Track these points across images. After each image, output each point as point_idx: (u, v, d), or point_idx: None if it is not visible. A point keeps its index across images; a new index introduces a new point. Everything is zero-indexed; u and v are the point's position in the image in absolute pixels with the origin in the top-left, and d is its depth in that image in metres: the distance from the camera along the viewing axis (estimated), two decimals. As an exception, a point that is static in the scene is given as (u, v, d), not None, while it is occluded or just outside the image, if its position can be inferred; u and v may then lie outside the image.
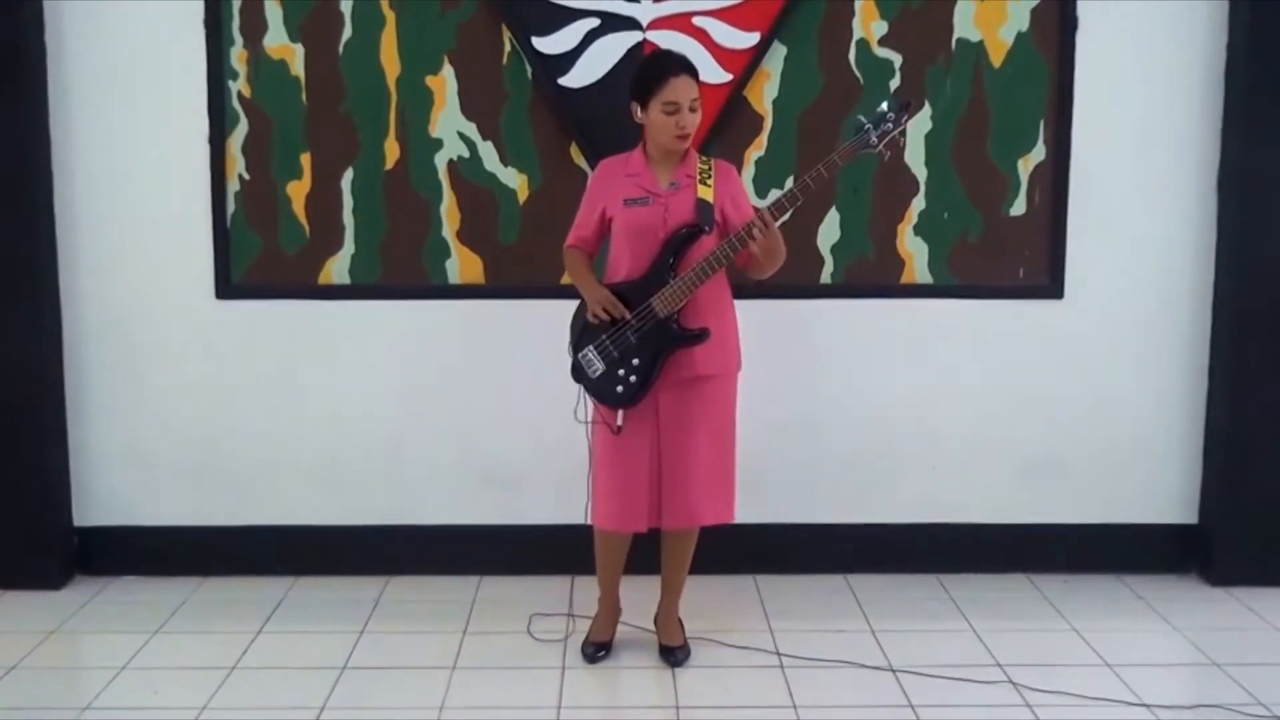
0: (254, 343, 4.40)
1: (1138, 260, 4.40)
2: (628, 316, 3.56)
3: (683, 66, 3.55)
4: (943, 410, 4.45)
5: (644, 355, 3.58)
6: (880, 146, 3.51)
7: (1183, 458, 4.49)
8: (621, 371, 3.60)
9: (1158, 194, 4.38)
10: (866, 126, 3.50)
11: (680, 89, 3.51)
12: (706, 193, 3.57)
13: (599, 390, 3.65)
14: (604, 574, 3.86)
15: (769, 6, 4.22)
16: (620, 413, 3.66)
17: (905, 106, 3.54)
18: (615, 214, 3.63)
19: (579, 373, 3.67)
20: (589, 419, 3.70)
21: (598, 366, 3.62)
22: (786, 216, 3.57)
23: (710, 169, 3.62)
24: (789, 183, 4.30)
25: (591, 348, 3.62)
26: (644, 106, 3.56)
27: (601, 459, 3.71)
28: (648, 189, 3.61)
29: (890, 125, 3.50)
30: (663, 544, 3.83)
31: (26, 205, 4.24)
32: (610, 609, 3.90)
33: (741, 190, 3.73)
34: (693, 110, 3.53)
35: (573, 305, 3.73)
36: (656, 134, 3.58)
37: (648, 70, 3.60)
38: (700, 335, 3.58)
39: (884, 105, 3.52)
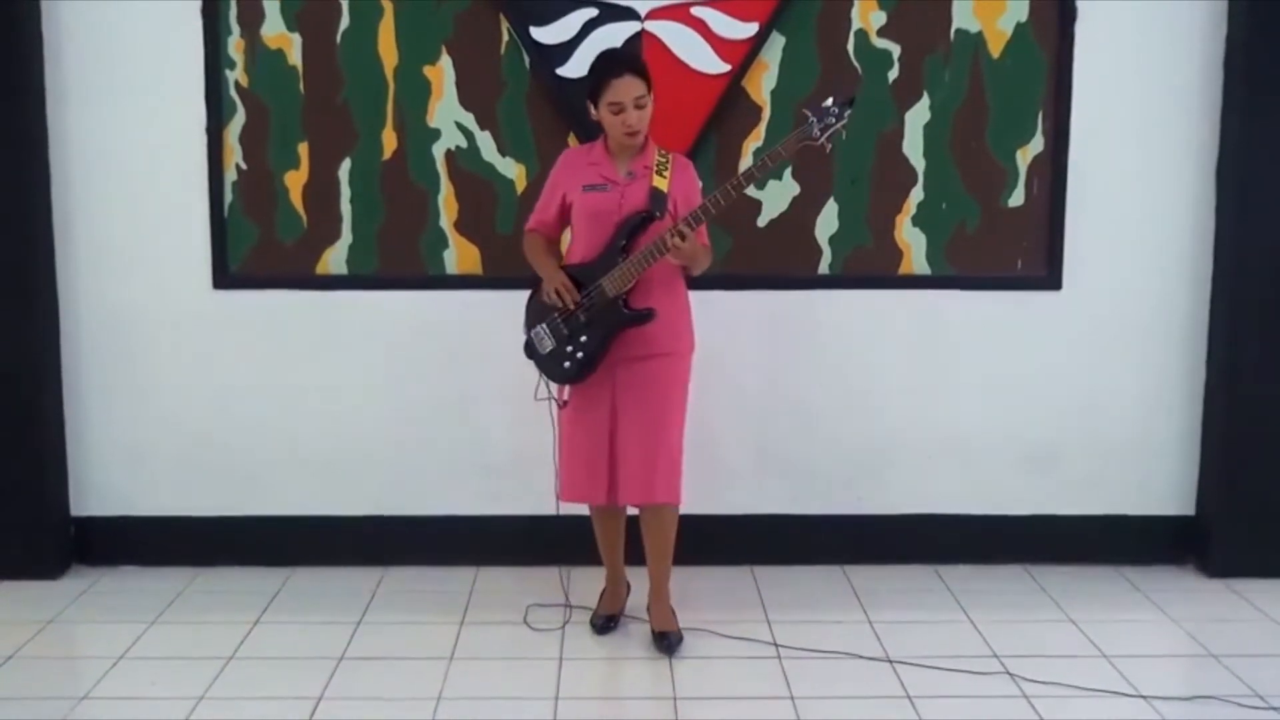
0: (251, 333, 4.39)
1: (1136, 251, 4.40)
2: (579, 300, 3.67)
3: (626, 66, 3.66)
4: (940, 401, 4.45)
5: (593, 334, 3.68)
6: (823, 139, 3.58)
7: (1180, 449, 4.49)
8: (570, 349, 3.71)
9: (1156, 185, 4.37)
10: (810, 119, 3.58)
11: (623, 89, 3.61)
12: (661, 183, 3.69)
13: (548, 366, 3.78)
14: (602, 551, 3.99)
15: (767, -3, 4.22)
16: (567, 388, 3.78)
17: (849, 101, 3.60)
18: (575, 199, 3.75)
19: (531, 349, 3.79)
20: (548, 397, 3.82)
21: (548, 344, 3.74)
22: (727, 204, 3.63)
23: (668, 162, 3.73)
24: (787, 175, 4.30)
25: (543, 325, 3.74)
26: (595, 106, 3.68)
27: (563, 435, 3.85)
28: (607, 177, 3.73)
29: (833, 120, 3.57)
30: (641, 527, 3.88)
31: (24, 196, 4.23)
32: (614, 586, 4.01)
33: (696, 189, 3.81)
34: (639, 108, 3.64)
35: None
36: (609, 131, 3.70)
37: (593, 71, 3.73)
38: (646, 315, 3.67)
39: (829, 100, 3.59)
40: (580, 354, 3.70)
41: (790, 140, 3.60)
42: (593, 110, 3.70)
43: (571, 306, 3.68)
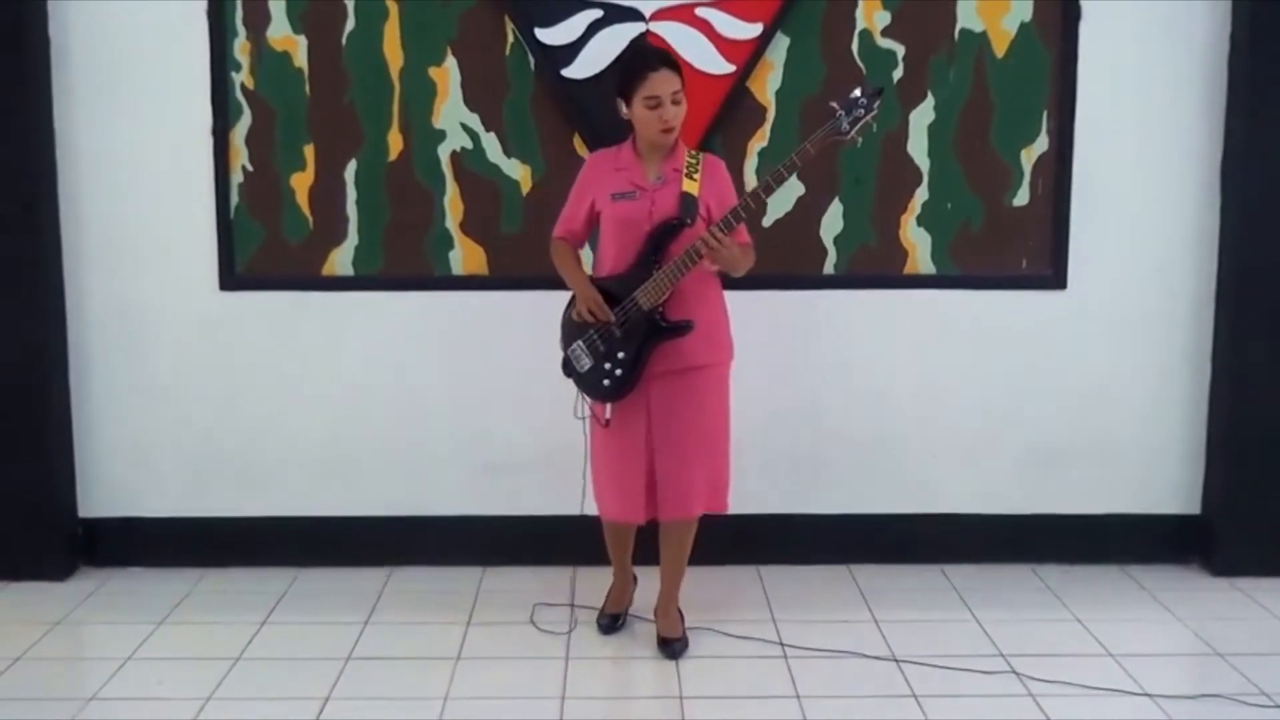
0: (257, 334, 4.41)
1: (1140, 250, 4.40)
2: (612, 319, 3.60)
3: (662, 60, 3.58)
4: (945, 400, 4.45)
5: (630, 349, 3.61)
6: (853, 133, 3.51)
7: (1185, 448, 4.49)
8: (608, 366, 3.64)
9: (1161, 184, 4.37)
10: (839, 113, 3.50)
11: (660, 83, 3.53)
12: (691, 186, 3.60)
13: (588, 385, 3.70)
14: (611, 553, 3.96)
15: (772, -3, 4.22)
16: (609, 406, 3.70)
17: (878, 93, 3.52)
18: (603, 208, 3.67)
19: (569, 368, 3.72)
20: (587, 415, 3.75)
21: (585, 361, 3.66)
22: (758, 207, 3.61)
23: (698, 163, 3.65)
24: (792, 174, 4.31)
25: (580, 342, 3.67)
26: (628, 103, 3.59)
27: (598, 453, 3.78)
28: (635, 183, 3.64)
29: (862, 112, 3.49)
30: (660, 536, 3.84)
31: (31, 197, 4.25)
32: (621, 585, 4.00)
33: (729, 189, 3.73)
34: (675, 103, 3.55)
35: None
36: (642, 128, 3.61)
37: (627, 66, 3.64)
38: (684, 327, 3.60)
39: (856, 91, 3.51)
40: (619, 371, 3.62)
41: (819, 136, 3.50)
42: (624, 108, 3.60)
43: (607, 323, 3.61)
